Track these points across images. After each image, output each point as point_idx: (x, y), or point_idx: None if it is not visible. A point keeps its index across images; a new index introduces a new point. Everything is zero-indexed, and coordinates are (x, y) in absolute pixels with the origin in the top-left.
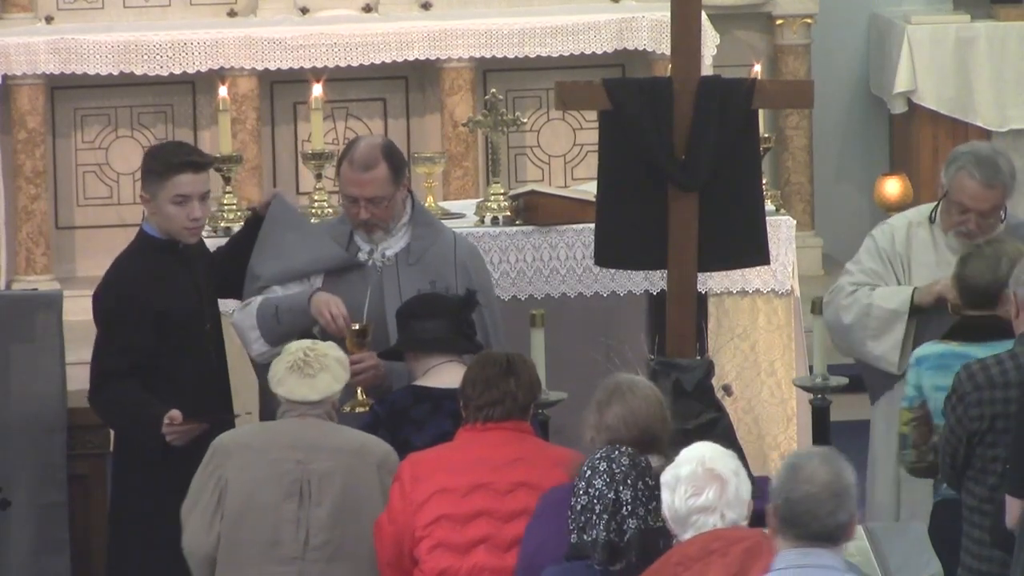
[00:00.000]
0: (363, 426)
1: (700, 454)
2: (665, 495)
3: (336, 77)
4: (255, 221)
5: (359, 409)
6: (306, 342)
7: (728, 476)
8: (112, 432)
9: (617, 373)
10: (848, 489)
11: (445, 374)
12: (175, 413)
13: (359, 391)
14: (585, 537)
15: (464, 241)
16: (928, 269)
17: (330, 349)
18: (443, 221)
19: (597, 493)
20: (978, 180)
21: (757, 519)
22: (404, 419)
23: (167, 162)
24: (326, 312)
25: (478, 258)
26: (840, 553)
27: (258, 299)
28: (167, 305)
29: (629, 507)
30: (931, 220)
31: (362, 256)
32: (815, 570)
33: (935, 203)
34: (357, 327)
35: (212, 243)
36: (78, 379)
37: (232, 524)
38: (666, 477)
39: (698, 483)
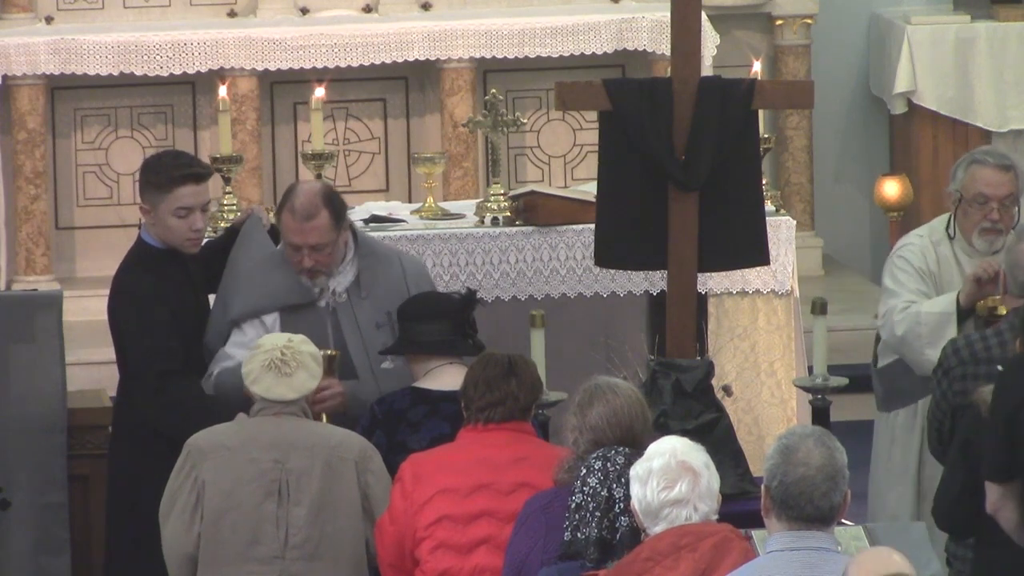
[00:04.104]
0: (361, 427)
1: (671, 447)
2: (635, 488)
3: (336, 77)
4: (233, 234)
5: None
6: (281, 338)
7: (700, 469)
8: (111, 430)
9: (595, 375)
10: (841, 470)
11: (445, 376)
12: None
13: (323, 417)
14: (579, 535)
15: (410, 262)
16: (954, 288)
17: (304, 344)
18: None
19: (591, 491)
20: (992, 164)
21: (752, 519)
22: (401, 421)
23: (168, 175)
24: None
25: (426, 276)
26: (833, 533)
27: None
28: (177, 312)
29: (622, 505)
30: (950, 236)
31: (316, 291)
32: (810, 552)
33: (947, 216)
34: (326, 354)
35: None
36: (78, 379)
37: (212, 524)
38: (637, 470)
39: (671, 476)
